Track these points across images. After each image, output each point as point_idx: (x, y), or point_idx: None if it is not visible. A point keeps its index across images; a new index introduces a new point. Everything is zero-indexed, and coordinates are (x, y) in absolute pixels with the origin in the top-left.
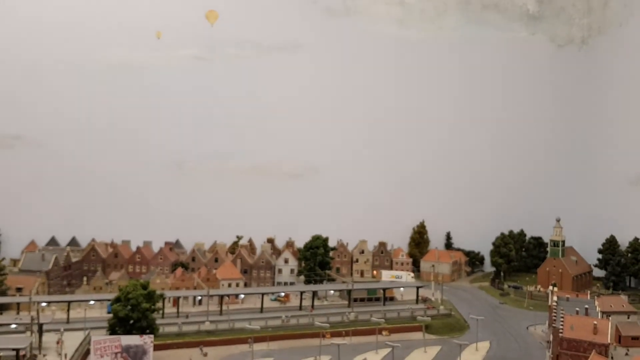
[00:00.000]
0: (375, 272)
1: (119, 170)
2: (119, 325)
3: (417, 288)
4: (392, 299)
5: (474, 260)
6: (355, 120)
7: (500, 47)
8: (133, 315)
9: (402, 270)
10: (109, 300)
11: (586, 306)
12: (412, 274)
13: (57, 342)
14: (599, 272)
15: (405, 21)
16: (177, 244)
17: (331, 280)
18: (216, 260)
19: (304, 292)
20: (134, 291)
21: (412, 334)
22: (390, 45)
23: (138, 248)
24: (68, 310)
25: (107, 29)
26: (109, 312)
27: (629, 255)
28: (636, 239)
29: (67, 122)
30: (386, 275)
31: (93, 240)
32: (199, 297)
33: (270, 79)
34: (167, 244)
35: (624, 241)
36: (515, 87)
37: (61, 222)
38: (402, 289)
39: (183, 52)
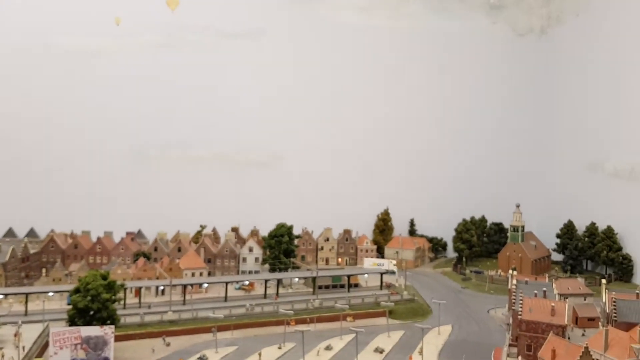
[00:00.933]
0: (340, 259)
1: (78, 159)
2: (78, 316)
3: (381, 274)
4: (356, 285)
5: (436, 246)
6: (319, 108)
7: (462, 36)
8: (93, 306)
9: (368, 257)
10: (67, 291)
11: (544, 289)
12: (394, 261)
13: (15, 335)
14: (557, 256)
15: (368, 9)
16: (139, 234)
17: (296, 268)
18: (179, 250)
19: (269, 280)
20: (94, 282)
21: (376, 320)
22: (353, 33)
23: (98, 238)
24: (26, 303)
25: (65, 15)
26: (68, 304)
27: (586, 239)
28: (593, 224)
29: (25, 110)
30: (368, 263)
31: (52, 231)
32: (162, 287)
33: (233, 66)
34: (128, 234)
35: (581, 226)
36: (476, 75)
37: (19, 213)
38: (366, 275)
39: (143, 39)
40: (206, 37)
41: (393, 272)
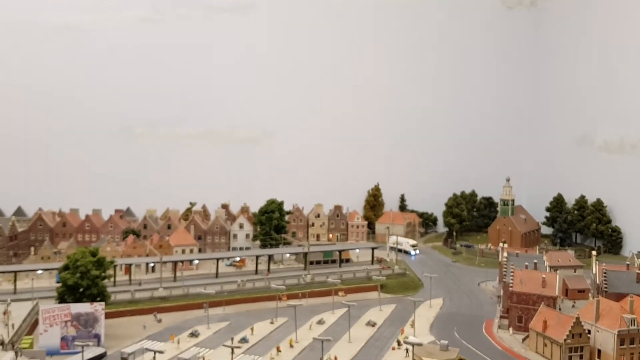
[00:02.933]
0: (330, 235)
1: (66, 136)
2: (68, 293)
3: (372, 249)
4: (347, 260)
5: (427, 221)
6: (309, 83)
7: (451, 9)
8: (82, 282)
9: (358, 232)
10: (57, 269)
11: (535, 260)
12: (413, 242)
13: (4, 313)
14: (546, 230)
15: None
16: (128, 212)
17: (287, 244)
18: (169, 227)
19: (260, 256)
20: (83, 258)
21: (368, 294)
22: (343, 7)
23: (87, 216)
24: (15, 281)
25: None
26: (58, 282)
27: (575, 212)
28: (582, 197)
29: (11, 87)
30: (392, 240)
31: (40, 209)
32: (152, 264)
33: (222, 41)
34: (117, 211)
35: (570, 199)
36: (467, 48)
37: (6, 192)
38: (357, 250)
39: (129, 13)
40: (195, 11)
41: (412, 253)
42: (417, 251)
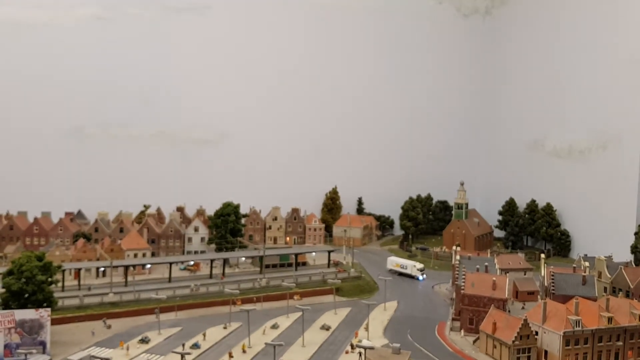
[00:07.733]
0: (288, 238)
1: (14, 137)
2: (12, 299)
3: (329, 252)
4: (304, 264)
5: (384, 224)
6: (266, 84)
7: (409, 16)
8: (27, 288)
9: (315, 235)
10: (0, 274)
11: (486, 264)
12: (419, 265)
13: None
14: (499, 233)
15: None
16: (79, 215)
17: (243, 247)
18: (121, 231)
19: (214, 260)
20: (28, 263)
21: (323, 297)
22: (302, 10)
23: (36, 219)
24: None
25: None
26: (2, 287)
27: (526, 216)
28: (533, 201)
29: None
30: (391, 263)
31: None
32: (102, 269)
33: (177, 41)
34: (67, 214)
35: (522, 203)
36: (423, 55)
37: None
38: (314, 254)
39: (82, 11)
40: (148, 10)
41: (420, 278)
42: (425, 275)
